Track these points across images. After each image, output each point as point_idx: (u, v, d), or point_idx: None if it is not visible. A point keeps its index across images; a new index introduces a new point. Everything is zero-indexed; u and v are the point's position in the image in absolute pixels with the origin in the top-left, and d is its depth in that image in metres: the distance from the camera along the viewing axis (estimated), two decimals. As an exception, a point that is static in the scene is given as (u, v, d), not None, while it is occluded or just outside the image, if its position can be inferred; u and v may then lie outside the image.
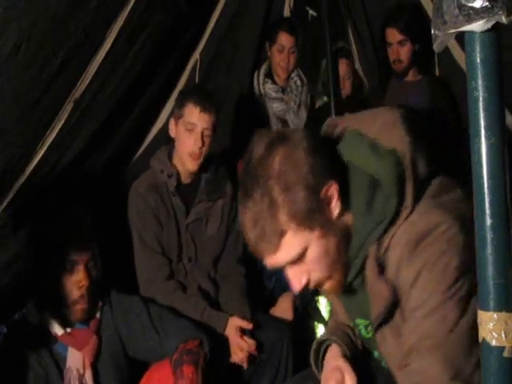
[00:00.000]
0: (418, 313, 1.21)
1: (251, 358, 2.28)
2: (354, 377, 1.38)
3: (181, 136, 2.40)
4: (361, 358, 1.50)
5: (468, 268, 1.15)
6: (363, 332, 1.44)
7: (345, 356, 1.44)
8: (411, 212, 1.23)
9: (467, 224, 1.14)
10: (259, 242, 1.21)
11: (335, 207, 1.23)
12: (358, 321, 1.44)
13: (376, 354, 1.47)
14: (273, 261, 1.24)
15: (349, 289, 1.34)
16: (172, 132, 2.44)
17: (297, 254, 1.22)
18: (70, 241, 1.97)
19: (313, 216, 1.20)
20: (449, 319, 1.18)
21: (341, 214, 1.24)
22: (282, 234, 1.19)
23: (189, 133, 2.36)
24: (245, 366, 2.27)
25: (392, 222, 1.23)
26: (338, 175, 1.24)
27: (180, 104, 2.41)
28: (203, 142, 2.35)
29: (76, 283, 1.94)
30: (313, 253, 1.22)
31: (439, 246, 1.18)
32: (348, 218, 1.26)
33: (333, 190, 1.22)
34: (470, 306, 1.16)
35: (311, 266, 1.24)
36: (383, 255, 1.25)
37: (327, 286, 1.30)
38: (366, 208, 1.24)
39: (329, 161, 1.25)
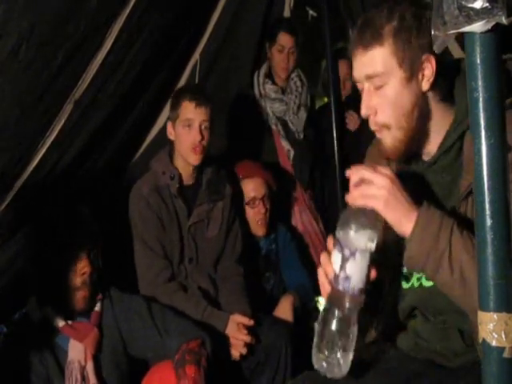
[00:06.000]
0: None
1: (249, 355, 2.28)
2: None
3: (180, 134, 2.41)
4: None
5: None
6: None
7: None
8: None
9: None
10: (360, 38, 1.35)
11: (427, 78, 1.32)
12: None
13: (416, 277, 1.43)
14: (359, 66, 1.36)
15: (424, 180, 1.39)
16: (171, 135, 2.46)
17: (377, 72, 1.33)
18: (73, 228, 1.98)
19: (406, 58, 1.30)
20: None
21: (428, 90, 1.33)
22: (379, 41, 1.32)
23: (188, 129, 2.39)
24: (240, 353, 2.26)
25: None
26: (444, 67, 1.34)
27: (174, 105, 2.44)
28: (202, 136, 2.39)
29: (79, 270, 1.95)
30: (388, 91, 1.33)
31: None
32: (434, 102, 1.35)
33: (431, 62, 1.30)
34: None
35: (381, 104, 1.34)
36: None
37: (387, 138, 1.36)
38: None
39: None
